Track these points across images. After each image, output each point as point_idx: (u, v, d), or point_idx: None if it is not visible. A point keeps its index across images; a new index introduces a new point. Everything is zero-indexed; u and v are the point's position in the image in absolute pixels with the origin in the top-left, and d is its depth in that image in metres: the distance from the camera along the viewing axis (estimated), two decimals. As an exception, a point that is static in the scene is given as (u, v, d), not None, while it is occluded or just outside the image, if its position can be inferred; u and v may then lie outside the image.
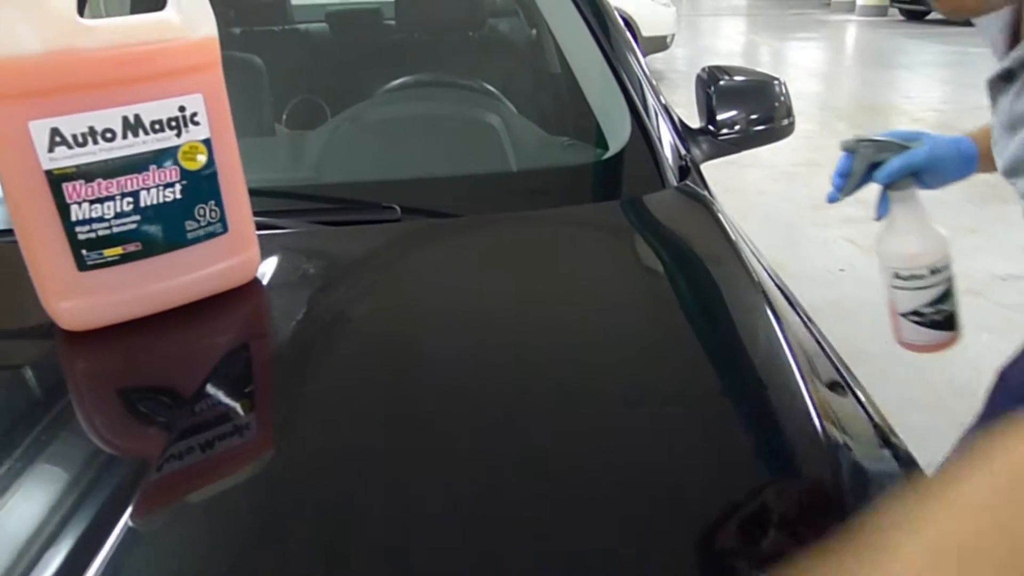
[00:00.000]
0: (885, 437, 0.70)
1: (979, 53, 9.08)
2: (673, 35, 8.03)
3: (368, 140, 1.31)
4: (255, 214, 0.84)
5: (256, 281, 0.83)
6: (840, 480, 0.61)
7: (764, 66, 9.36)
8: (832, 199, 1.02)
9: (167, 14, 0.71)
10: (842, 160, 0.99)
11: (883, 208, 0.99)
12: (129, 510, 0.53)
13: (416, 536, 0.53)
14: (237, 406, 0.68)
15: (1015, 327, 2.79)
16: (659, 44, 7.85)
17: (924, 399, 2.41)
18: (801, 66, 8.91)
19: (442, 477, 0.58)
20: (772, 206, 4.22)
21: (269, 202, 0.96)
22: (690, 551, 0.53)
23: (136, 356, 0.74)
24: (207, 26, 0.73)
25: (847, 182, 0.99)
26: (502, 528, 0.54)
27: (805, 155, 5.13)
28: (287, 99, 1.61)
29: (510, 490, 0.57)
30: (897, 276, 0.97)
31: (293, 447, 0.62)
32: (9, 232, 0.74)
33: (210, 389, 0.68)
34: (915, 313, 0.98)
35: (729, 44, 10.98)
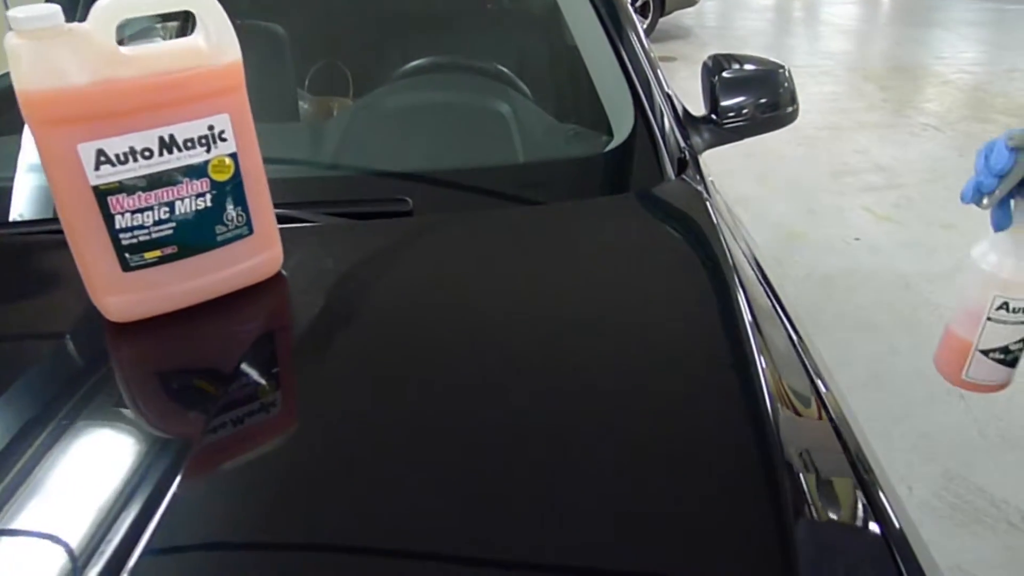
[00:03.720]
0: (851, 455, 0.70)
1: (1017, 11, 8.83)
2: (702, -10, 7.88)
3: (380, 131, 1.37)
4: (275, 205, 0.91)
5: (280, 275, 0.92)
6: (780, 486, 0.62)
7: (795, 23, 9.16)
8: (972, 200, 0.82)
9: (196, 41, 0.79)
10: (999, 155, 0.79)
11: (1005, 218, 0.82)
12: (177, 480, 0.62)
13: (426, 510, 0.60)
14: (265, 385, 0.77)
15: None
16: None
17: (930, 370, 2.47)
18: (832, 23, 8.72)
19: (459, 454, 0.66)
20: (792, 172, 4.23)
21: (285, 195, 1.03)
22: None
23: (175, 344, 0.84)
24: (232, 51, 0.80)
25: (1002, 184, 0.79)
26: (502, 505, 0.61)
27: (829, 118, 5.09)
28: (309, 65, 1.66)
29: (506, 467, 0.65)
30: (1005, 307, 0.83)
31: (316, 421, 0.72)
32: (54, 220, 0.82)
33: (241, 371, 0.78)
34: (1003, 350, 0.85)
35: (760, -1, 10.75)
